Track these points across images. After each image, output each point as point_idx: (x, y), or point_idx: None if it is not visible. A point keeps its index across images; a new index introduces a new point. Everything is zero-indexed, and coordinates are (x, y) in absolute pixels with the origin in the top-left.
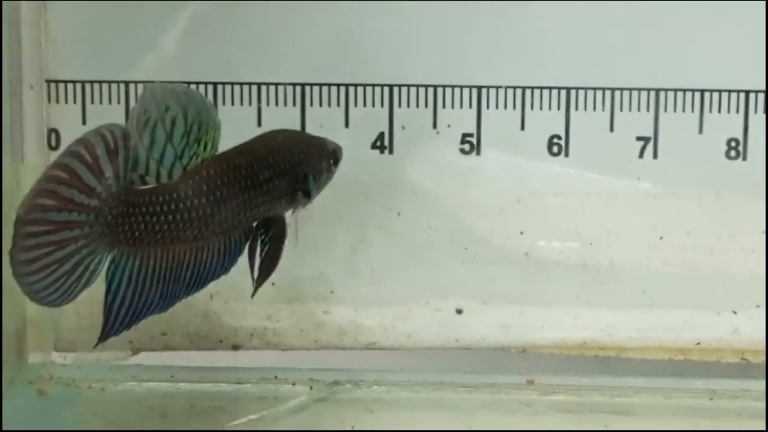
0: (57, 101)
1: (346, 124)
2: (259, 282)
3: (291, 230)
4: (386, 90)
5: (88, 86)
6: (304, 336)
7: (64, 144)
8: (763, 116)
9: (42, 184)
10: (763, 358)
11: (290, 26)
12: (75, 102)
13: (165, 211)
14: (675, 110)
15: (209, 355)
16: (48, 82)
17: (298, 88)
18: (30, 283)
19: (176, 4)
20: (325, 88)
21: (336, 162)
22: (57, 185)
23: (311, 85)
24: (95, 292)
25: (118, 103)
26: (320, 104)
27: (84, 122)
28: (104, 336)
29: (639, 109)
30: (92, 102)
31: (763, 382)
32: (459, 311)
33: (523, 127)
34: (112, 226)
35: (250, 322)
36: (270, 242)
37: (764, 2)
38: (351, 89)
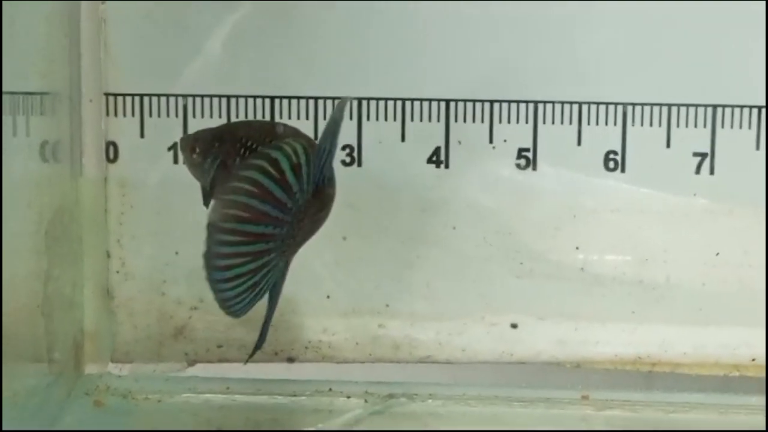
0: (115, 114)
1: (403, 138)
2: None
3: None
4: (443, 105)
5: (146, 99)
6: (359, 349)
7: (122, 157)
8: None
9: (232, 196)
10: None
11: (351, 42)
12: (133, 115)
13: None
14: (732, 126)
15: (264, 367)
16: (107, 95)
17: (355, 103)
18: (222, 290)
19: (232, 19)
20: (381, 102)
21: None
22: (249, 198)
23: (368, 99)
24: (151, 304)
25: (176, 116)
26: (377, 118)
27: (142, 135)
28: (260, 344)
29: (696, 125)
30: (150, 115)
31: None
32: (514, 326)
33: (579, 143)
34: (296, 238)
35: (306, 335)
36: None
37: None
38: (408, 104)
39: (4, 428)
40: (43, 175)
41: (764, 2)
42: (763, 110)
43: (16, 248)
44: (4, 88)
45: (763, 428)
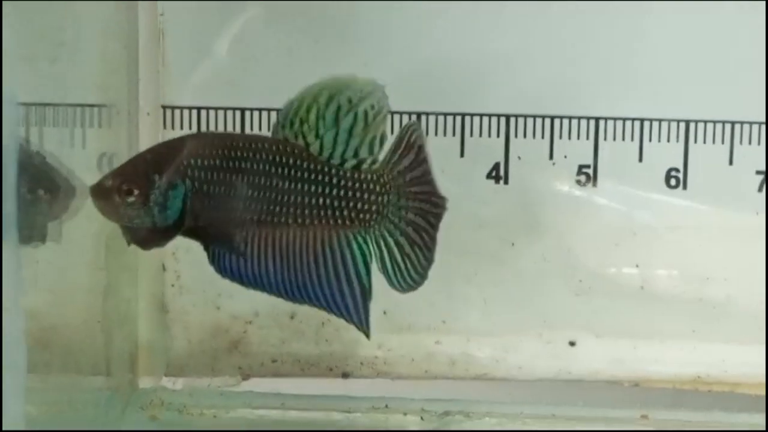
0: (173, 127)
1: (462, 154)
2: None
3: None
4: (503, 120)
5: (203, 112)
6: (414, 365)
7: None
8: None
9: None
10: None
11: (398, 55)
12: (190, 128)
13: None
14: None
15: (319, 382)
16: (164, 107)
17: (414, 117)
18: None
19: (292, 33)
20: (441, 118)
21: None
22: None
23: (427, 114)
24: (205, 317)
25: (233, 128)
26: (435, 134)
27: None
28: None
29: (759, 143)
30: (207, 128)
31: None
32: (572, 343)
33: (641, 159)
34: None
35: (361, 351)
36: None
37: None
38: (467, 119)
39: (4, 428)
40: None
41: None
42: None
43: (78, 262)
44: (65, 100)
45: (763, 428)
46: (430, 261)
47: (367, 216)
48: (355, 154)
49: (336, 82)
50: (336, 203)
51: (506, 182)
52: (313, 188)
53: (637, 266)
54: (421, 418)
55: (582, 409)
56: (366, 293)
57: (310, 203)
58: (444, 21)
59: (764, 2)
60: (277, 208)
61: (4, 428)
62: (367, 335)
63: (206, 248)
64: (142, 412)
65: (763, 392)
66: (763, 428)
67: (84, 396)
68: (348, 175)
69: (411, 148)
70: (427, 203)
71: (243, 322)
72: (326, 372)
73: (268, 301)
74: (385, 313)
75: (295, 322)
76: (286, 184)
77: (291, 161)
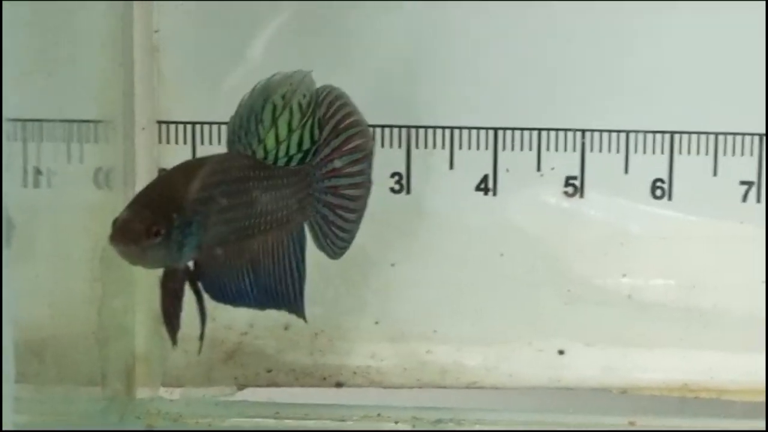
0: (168, 142)
1: (451, 166)
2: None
3: None
4: (491, 133)
5: (197, 127)
6: (406, 375)
7: None
8: None
9: None
10: None
11: (387, 68)
12: (185, 143)
13: None
14: None
15: (313, 392)
16: (159, 123)
17: (404, 131)
18: None
19: (286, 51)
20: (430, 131)
21: None
22: None
23: (416, 127)
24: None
25: None
26: (425, 146)
27: None
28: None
29: (743, 154)
30: (202, 143)
31: None
32: (561, 352)
33: (627, 171)
34: None
35: (354, 361)
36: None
37: None
38: (456, 132)
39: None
40: (97, 201)
41: None
42: None
43: (74, 274)
44: (61, 116)
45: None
46: (358, 216)
47: (306, 204)
48: (299, 148)
49: (268, 84)
50: (283, 203)
51: (495, 194)
52: (264, 195)
53: (624, 275)
54: (413, 426)
55: (571, 416)
56: (303, 279)
57: (265, 210)
58: (430, 36)
59: (751, 16)
60: (246, 223)
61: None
62: (305, 319)
63: (196, 279)
64: (138, 421)
65: (749, 398)
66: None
67: (80, 406)
68: (288, 171)
69: (332, 116)
70: (355, 162)
71: (238, 333)
72: (320, 381)
73: (262, 313)
74: (377, 323)
75: (290, 333)
76: (245, 198)
77: (244, 174)
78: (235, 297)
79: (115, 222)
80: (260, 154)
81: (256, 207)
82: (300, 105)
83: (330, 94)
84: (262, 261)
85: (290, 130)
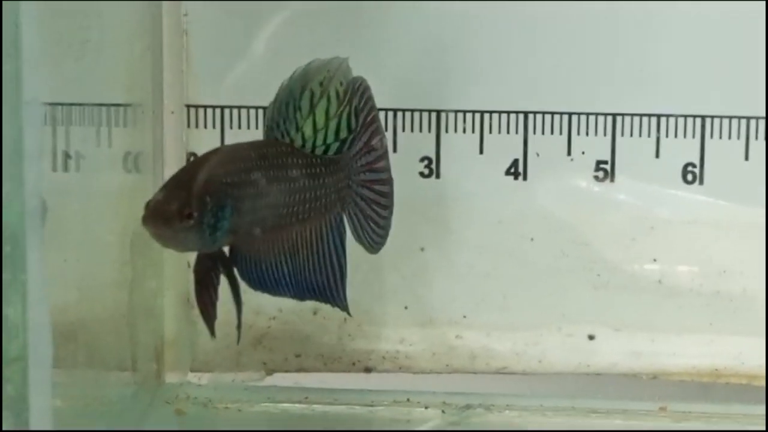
0: (196, 126)
1: (481, 151)
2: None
3: None
4: (521, 117)
5: (226, 111)
6: (436, 360)
7: None
8: None
9: None
10: None
11: (416, 54)
12: (214, 127)
13: None
14: None
15: (342, 377)
16: (188, 107)
17: (434, 115)
18: None
19: (317, 31)
20: (460, 115)
21: None
22: None
23: (446, 111)
24: (230, 313)
25: (256, 128)
26: (455, 130)
27: None
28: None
29: None
30: (231, 127)
31: None
32: (591, 337)
33: (657, 155)
34: None
35: (383, 346)
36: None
37: None
38: (486, 116)
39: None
40: (126, 185)
41: None
42: None
43: (104, 258)
44: (91, 101)
45: (763, 428)
46: (389, 211)
47: (345, 196)
48: (337, 137)
49: (305, 72)
50: (322, 191)
51: (525, 179)
52: (303, 183)
53: (654, 260)
54: (443, 411)
55: (601, 402)
56: (345, 272)
57: (303, 198)
58: (460, 21)
59: None
60: (283, 210)
61: (31, 426)
62: (349, 313)
63: (232, 266)
64: (168, 406)
65: None
66: (763, 428)
67: (110, 390)
68: (328, 161)
69: (360, 112)
70: (378, 158)
71: (267, 317)
72: (349, 366)
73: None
74: (406, 308)
75: (318, 318)
76: (284, 185)
77: (281, 161)
78: (273, 285)
79: (147, 204)
80: (298, 141)
81: (294, 195)
82: (337, 93)
83: (362, 85)
84: (300, 250)
85: (328, 118)
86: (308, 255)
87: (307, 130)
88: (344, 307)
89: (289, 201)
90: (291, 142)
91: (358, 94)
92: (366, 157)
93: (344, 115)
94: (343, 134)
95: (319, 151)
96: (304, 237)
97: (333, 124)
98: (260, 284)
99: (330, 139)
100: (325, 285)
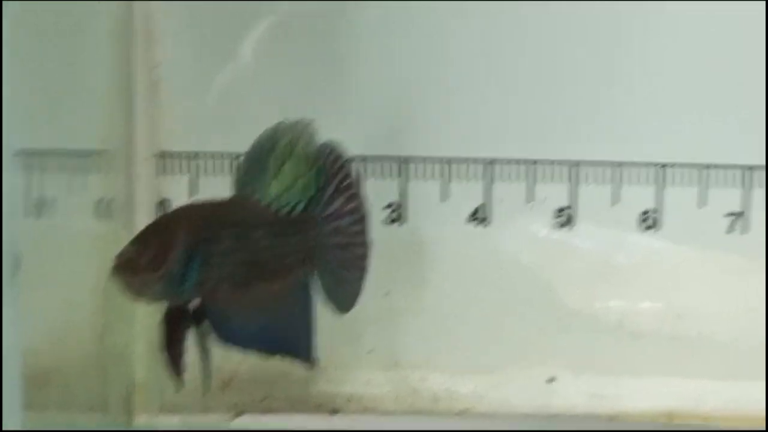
0: (169, 173)
1: (445, 197)
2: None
3: None
4: (485, 164)
5: (199, 158)
6: (400, 402)
7: None
8: None
9: None
10: None
11: (396, 106)
12: (184, 173)
13: None
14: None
15: (308, 418)
16: (159, 154)
17: (399, 162)
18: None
19: (288, 83)
20: (425, 162)
21: None
22: None
23: (411, 158)
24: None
25: (230, 174)
26: (419, 177)
27: (194, 193)
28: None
29: (729, 185)
30: (205, 173)
31: None
32: (551, 380)
33: (616, 201)
34: None
35: (348, 388)
36: None
37: None
38: (449, 164)
39: (3, 428)
40: (99, 232)
41: None
42: None
43: (75, 304)
44: (63, 146)
45: (763, 428)
46: (361, 276)
47: (313, 255)
48: (302, 196)
49: (273, 132)
50: (288, 250)
51: (488, 224)
52: (269, 241)
53: (614, 305)
54: None
55: None
56: (313, 331)
57: (269, 256)
58: (426, 66)
59: (739, 47)
60: (250, 267)
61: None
62: (316, 370)
63: (201, 319)
64: None
65: (734, 426)
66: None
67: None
68: (294, 220)
69: (333, 174)
70: (354, 222)
71: (234, 361)
72: (315, 408)
73: None
74: (371, 351)
75: (285, 361)
76: (250, 242)
77: (249, 218)
78: (241, 340)
79: (117, 256)
80: (265, 199)
81: (260, 252)
82: (304, 153)
83: (333, 151)
84: (268, 308)
85: (295, 178)
86: (276, 313)
87: (274, 190)
88: (311, 366)
89: (255, 258)
90: (258, 200)
91: (330, 157)
92: (340, 221)
93: (311, 174)
94: (311, 192)
95: (285, 209)
96: (272, 294)
97: (300, 183)
98: (228, 338)
99: (297, 198)
100: (293, 342)
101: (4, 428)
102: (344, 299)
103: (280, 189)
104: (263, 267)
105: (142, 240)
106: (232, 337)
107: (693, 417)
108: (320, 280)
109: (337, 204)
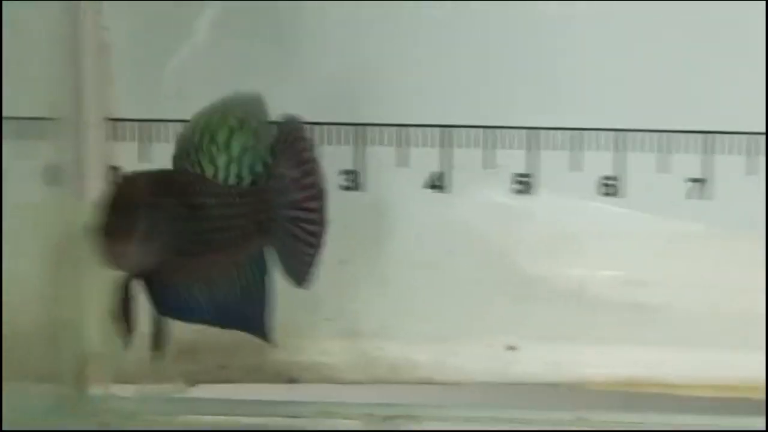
0: (117, 139)
1: (402, 163)
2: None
3: None
4: (442, 130)
5: (147, 124)
6: (357, 370)
7: None
8: None
9: None
10: None
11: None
12: (134, 140)
13: None
14: (727, 152)
15: (265, 388)
16: (108, 120)
17: (355, 128)
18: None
19: (237, 44)
20: (381, 128)
21: None
22: None
23: (368, 125)
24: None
25: None
26: (376, 143)
27: (143, 160)
28: None
29: (688, 152)
30: (150, 141)
31: None
32: (511, 348)
33: (576, 168)
34: None
35: (306, 357)
36: None
37: None
38: (406, 129)
39: (4, 428)
40: (47, 199)
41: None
42: (760, 137)
43: (23, 271)
44: (10, 114)
45: (763, 428)
46: (317, 251)
47: (267, 229)
48: (251, 170)
49: (224, 105)
50: (237, 222)
51: (445, 191)
52: (215, 212)
53: (573, 272)
54: (367, 422)
55: (521, 411)
56: (267, 304)
57: (216, 227)
58: (383, 33)
59: (697, 8)
60: (195, 238)
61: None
62: (272, 344)
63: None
64: (91, 419)
65: (696, 393)
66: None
67: (33, 402)
68: (243, 192)
69: (290, 148)
70: (311, 197)
71: (190, 330)
72: (272, 377)
73: None
74: (327, 320)
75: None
76: (195, 212)
77: (192, 189)
78: (187, 313)
79: (99, 228)
80: (209, 172)
81: (205, 222)
82: (255, 128)
83: (290, 125)
84: (216, 279)
85: (243, 152)
86: (226, 284)
87: (221, 162)
88: (266, 339)
89: (200, 229)
90: (202, 171)
91: (287, 131)
92: (296, 194)
93: (260, 150)
94: (258, 168)
95: (231, 181)
96: (219, 267)
97: (247, 158)
98: (172, 311)
99: (244, 172)
100: (247, 316)
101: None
102: (300, 273)
103: (227, 162)
104: (210, 239)
105: (117, 211)
106: (177, 309)
107: (653, 384)
108: (276, 254)
109: (292, 177)
